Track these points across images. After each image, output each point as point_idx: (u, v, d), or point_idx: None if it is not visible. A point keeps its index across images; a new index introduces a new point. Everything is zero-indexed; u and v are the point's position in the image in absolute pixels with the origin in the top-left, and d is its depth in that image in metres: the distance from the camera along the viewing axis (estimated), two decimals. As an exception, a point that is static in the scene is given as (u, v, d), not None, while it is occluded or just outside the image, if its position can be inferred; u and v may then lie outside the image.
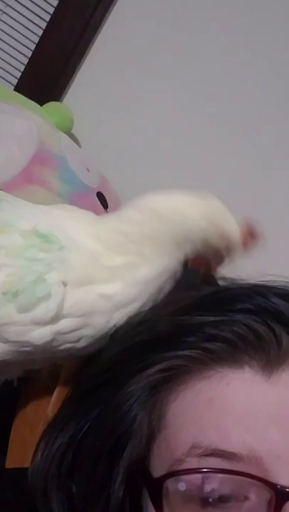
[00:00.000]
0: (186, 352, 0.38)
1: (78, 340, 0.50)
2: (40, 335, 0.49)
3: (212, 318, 0.38)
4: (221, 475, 0.34)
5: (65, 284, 0.48)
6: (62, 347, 0.50)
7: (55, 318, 0.48)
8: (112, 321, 0.49)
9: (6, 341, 0.49)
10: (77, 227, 0.53)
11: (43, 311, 0.48)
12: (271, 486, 0.33)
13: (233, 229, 0.52)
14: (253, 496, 0.34)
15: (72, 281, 0.49)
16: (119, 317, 0.49)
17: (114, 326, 0.48)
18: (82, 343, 0.49)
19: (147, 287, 0.50)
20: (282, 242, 1.05)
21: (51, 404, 0.58)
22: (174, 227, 0.50)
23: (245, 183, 1.23)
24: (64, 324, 0.49)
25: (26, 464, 0.44)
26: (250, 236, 0.53)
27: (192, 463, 0.35)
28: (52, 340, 0.49)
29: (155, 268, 0.50)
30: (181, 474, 0.35)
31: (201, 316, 0.39)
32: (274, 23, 1.26)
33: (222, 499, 0.34)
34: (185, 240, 0.50)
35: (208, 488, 0.34)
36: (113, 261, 0.50)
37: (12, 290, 0.47)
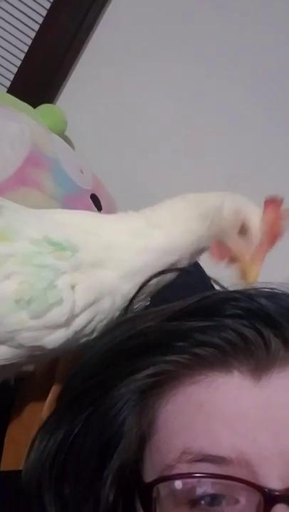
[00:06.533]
0: (175, 357, 0.38)
1: (92, 332, 0.52)
2: (54, 339, 0.50)
3: (201, 324, 0.38)
4: (211, 479, 0.34)
5: (73, 286, 0.50)
6: (80, 342, 0.52)
7: (69, 321, 0.49)
8: (122, 292, 0.52)
9: (20, 346, 0.50)
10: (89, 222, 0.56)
11: (56, 315, 0.49)
12: (259, 489, 0.33)
13: (250, 209, 0.54)
14: (243, 499, 0.34)
15: (83, 277, 0.51)
16: (128, 288, 0.52)
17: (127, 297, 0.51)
18: (96, 333, 0.52)
19: (157, 256, 0.53)
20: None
21: (46, 407, 0.58)
22: (193, 205, 0.55)
23: (245, 184, 1.23)
24: (77, 322, 0.50)
25: (21, 467, 0.44)
26: (275, 212, 0.54)
27: (183, 468, 0.35)
28: (66, 341, 0.50)
29: (168, 238, 0.53)
30: (171, 479, 0.35)
31: (190, 321, 0.39)
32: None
33: (213, 503, 0.34)
34: (202, 216, 0.54)
35: (198, 492, 0.34)
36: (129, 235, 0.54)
37: (25, 298, 0.48)
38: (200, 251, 0.56)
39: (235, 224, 0.54)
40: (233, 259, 0.56)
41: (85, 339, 0.52)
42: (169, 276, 0.55)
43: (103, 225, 0.55)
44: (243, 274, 0.54)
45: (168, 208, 0.55)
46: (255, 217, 0.54)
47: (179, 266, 0.54)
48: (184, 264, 0.55)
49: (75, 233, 0.52)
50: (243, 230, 0.54)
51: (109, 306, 0.52)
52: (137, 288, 0.52)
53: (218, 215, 0.54)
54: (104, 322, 0.52)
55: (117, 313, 0.52)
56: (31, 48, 1.36)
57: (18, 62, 1.38)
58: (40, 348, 0.50)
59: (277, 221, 0.54)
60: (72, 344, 0.51)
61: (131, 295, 0.52)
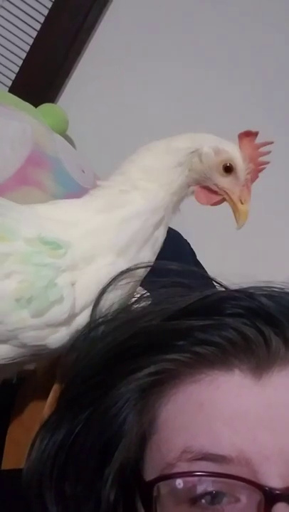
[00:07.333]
0: (175, 356, 0.38)
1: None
2: (57, 338, 0.50)
3: (201, 323, 0.39)
4: (211, 478, 0.34)
5: (73, 284, 0.50)
6: None
7: (70, 319, 0.49)
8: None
9: (23, 346, 0.50)
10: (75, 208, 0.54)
11: (57, 313, 0.49)
12: (260, 488, 0.33)
13: (230, 147, 0.53)
14: (243, 498, 0.34)
15: (82, 274, 0.50)
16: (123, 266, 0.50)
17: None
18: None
19: (143, 219, 0.51)
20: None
21: (47, 406, 0.58)
22: (165, 154, 0.53)
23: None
24: (79, 321, 0.50)
25: (22, 466, 0.44)
26: (252, 146, 0.54)
27: (183, 467, 0.35)
28: (70, 340, 0.50)
29: (149, 197, 0.52)
30: (172, 478, 0.35)
31: (191, 320, 0.39)
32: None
33: (213, 501, 0.34)
34: (180, 164, 0.52)
35: (199, 491, 0.34)
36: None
37: (26, 296, 0.48)
38: (181, 200, 0.55)
39: (218, 164, 0.53)
40: (218, 202, 0.55)
41: None
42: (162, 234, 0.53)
43: (79, 213, 0.53)
44: (236, 214, 0.54)
45: (137, 166, 0.54)
46: (237, 154, 0.53)
47: (165, 222, 0.53)
48: (168, 219, 0.53)
49: (64, 229, 0.51)
50: (226, 170, 0.53)
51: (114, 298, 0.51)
52: (134, 259, 0.51)
53: (196, 158, 0.53)
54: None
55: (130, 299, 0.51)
56: (33, 47, 1.37)
57: (20, 62, 1.38)
58: (44, 347, 0.50)
59: (256, 155, 0.54)
60: None
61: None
